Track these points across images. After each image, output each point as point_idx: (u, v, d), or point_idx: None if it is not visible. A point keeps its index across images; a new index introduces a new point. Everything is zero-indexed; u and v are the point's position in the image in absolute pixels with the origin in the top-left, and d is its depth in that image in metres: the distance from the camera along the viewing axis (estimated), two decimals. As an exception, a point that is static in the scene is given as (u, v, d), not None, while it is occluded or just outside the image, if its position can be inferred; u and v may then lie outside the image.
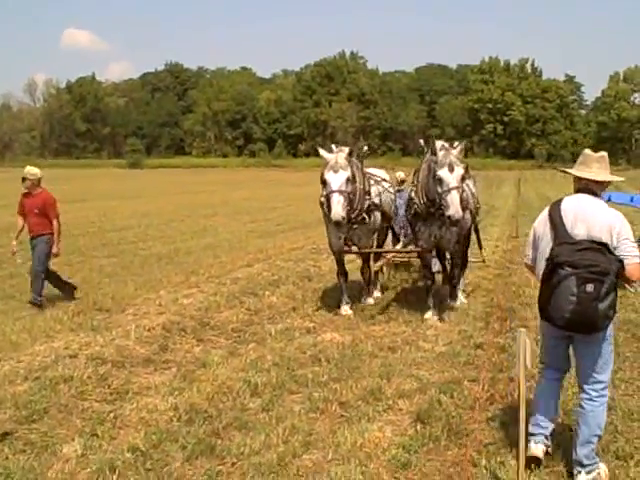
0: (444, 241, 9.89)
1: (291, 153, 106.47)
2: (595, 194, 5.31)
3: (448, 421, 6.06)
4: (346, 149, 9.80)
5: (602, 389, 5.21)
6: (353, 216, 9.75)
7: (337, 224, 9.22)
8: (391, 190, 11.56)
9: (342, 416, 6.27)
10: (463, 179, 9.16)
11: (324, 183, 9.52)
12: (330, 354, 8.12)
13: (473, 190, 10.93)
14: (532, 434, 5.37)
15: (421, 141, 10.41)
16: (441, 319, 9.75)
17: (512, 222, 21.83)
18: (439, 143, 9.38)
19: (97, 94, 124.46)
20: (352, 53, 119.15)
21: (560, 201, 5.33)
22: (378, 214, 10.60)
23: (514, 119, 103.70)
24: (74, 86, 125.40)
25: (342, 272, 10.61)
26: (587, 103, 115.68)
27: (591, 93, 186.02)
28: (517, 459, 4.47)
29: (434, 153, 9.14)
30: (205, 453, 5.50)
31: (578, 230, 5.07)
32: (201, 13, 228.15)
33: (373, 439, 5.76)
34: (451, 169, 8.92)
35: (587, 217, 5.11)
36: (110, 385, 7.02)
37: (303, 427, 5.97)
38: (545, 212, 5.39)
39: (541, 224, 5.37)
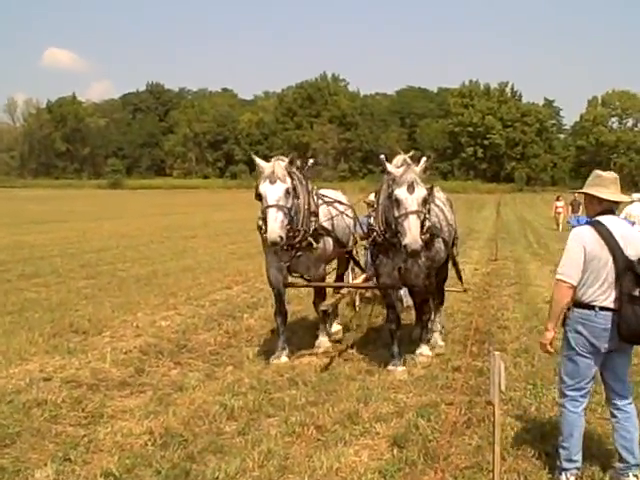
0: (411, 275, 8.44)
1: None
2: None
3: (425, 445, 6.03)
4: (286, 158, 8.36)
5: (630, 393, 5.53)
6: (296, 240, 8.41)
7: (274, 244, 7.79)
8: (349, 214, 9.95)
9: (318, 440, 6.22)
10: (425, 202, 7.87)
11: (259, 197, 8.10)
12: (307, 377, 8.08)
13: (449, 216, 9.53)
14: (565, 469, 5.35)
15: (382, 156, 8.31)
16: (409, 369, 8.45)
17: (491, 245, 21.92)
18: (400, 157, 8.15)
19: (77, 114, 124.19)
20: (333, 75, 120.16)
21: (599, 222, 5.30)
22: (329, 240, 9.08)
23: (494, 142, 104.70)
24: (54, 106, 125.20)
25: (281, 311, 9.03)
26: (566, 127, 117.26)
27: (570, 117, 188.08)
28: (493, 483, 4.44)
29: (387, 172, 7.95)
30: (180, 478, 5.43)
31: (630, 251, 5.19)
32: (182, 34, 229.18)
33: (349, 463, 5.73)
34: (411, 189, 7.62)
35: (631, 238, 5.27)
36: (84, 408, 6.92)
37: (279, 451, 5.92)
38: (590, 233, 5.28)
39: (595, 245, 5.22)
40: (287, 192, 7.97)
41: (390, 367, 8.40)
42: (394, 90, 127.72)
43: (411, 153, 8.42)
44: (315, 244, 8.61)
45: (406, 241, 7.44)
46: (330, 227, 9.07)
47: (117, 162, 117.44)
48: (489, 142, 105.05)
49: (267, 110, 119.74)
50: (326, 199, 9.45)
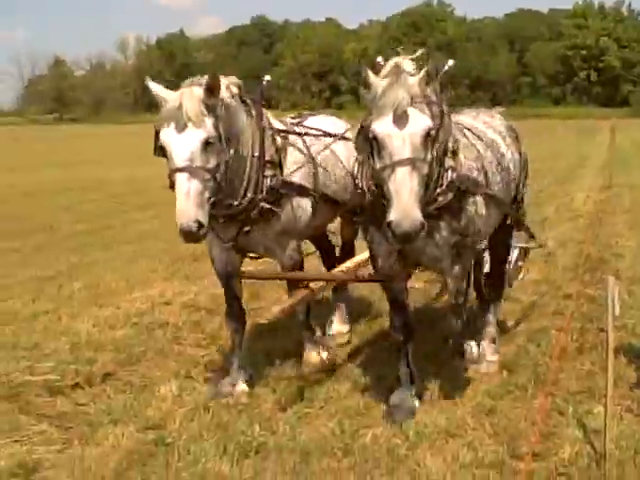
0: (425, 258, 5.17)
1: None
2: None
3: (535, 370, 6.04)
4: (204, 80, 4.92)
5: None
6: (239, 208, 5.32)
7: (188, 236, 4.72)
8: (343, 154, 6.21)
9: (428, 363, 6.31)
10: (430, 140, 4.43)
11: (162, 151, 4.86)
12: (417, 304, 8.15)
13: (509, 156, 5.90)
14: None
15: (380, 59, 4.94)
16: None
17: (605, 172, 21.19)
18: (392, 62, 4.69)
19: (186, 50, 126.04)
20: (439, 0, 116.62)
21: None
22: (304, 202, 5.73)
23: (609, 65, 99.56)
24: (164, 42, 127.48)
25: (233, 312, 5.95)
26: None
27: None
28: (605, 407, 4.45)
29: (365, 84, 4.56)
30: (294, 396, 5.66)
31: None
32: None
33: (459, 386, 5.81)
34: (400, 118, 4.33)
35: None
36: (203, 331, 7.31)
37: (390, 374, 6.05)
38: None
39: None
40: (206, 144, 4.76)
41: (392, 400, 5.36)
42: (503, 13, 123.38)
43: (419, 52, 5.05)
44: (277, 210, 5.46)
45: (391, 216, 4.25)
46: (307, 181, 5.77)
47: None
48: (604, 65, 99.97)
49: (372, 39, 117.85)
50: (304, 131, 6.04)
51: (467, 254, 5.23)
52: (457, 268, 5.17)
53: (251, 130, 5.33)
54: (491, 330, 6.37)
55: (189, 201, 4.70)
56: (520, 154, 6.26)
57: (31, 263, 11.01)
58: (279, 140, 5.62)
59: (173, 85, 5.09)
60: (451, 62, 5.11)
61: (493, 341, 6.35)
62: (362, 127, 4.62)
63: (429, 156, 4.45)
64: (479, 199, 5.09)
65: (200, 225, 4.69)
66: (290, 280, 6.00)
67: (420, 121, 4.37)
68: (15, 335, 7.27)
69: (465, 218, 4.99)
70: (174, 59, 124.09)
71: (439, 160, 4.68)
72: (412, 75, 4.52)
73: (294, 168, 5.64)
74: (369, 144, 4.50)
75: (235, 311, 5.94)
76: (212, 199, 4.84)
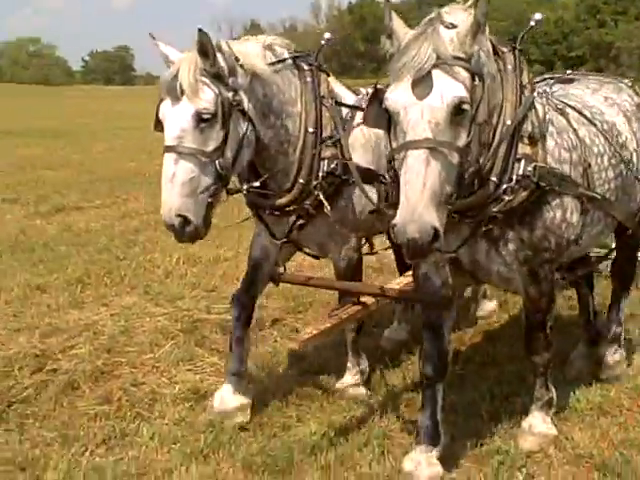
0: (483, 273, 4.02)
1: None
2: None
3: None
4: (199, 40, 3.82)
5: None
6: (289, 197, 4.40)
7: (174, 234, 3.92)
8: None
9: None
10: (466, 117, 3.19)
11: (161, 127, 3.99)
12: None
13: (632, 144, 4.62)
14: None
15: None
16: None
17: None
18: (433, 13, 3.23)
19: (376, 15, 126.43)
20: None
21: None
22: (358, 193, 4.45)
23: None
24: (355, 7, 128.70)
25: (242, 303, 4.91)
26: None
27: None
28: None
29: (388, 33, 3.36)
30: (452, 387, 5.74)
31: None
32: None
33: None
34: (421, 84, 3.09)
35: None
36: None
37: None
38: None
39: None
40: (201, 120, 3.85)
41: (406, 465, 4.01)
42: None
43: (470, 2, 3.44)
44: (327, 205, 4.35)
45: (395, 219, 3.07)
46: (377, 164, 4.61)
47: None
48: None
49: (567, 7, 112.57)
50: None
51: (547, 271, 3.98)
52: (533, 289, 3.99)
53: (304, 100, 4.39)
54: (619, 328, 5.54)
55: (173, 189, 3.81)
56: None
57: (217, 213, 11.70)
58: (343, 113, 4.57)
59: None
60: (538, 16, 4.05)
61: (620, 342, 5.58)
62: (376, 92, 3.47)
63: (462, 139, 3.20)
64: (569, 202, 3.88)
65: (185, 221, 3.84)
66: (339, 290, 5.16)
67: (448, 89, 3.11)
68: (198, 277, 7.96)
69: (541, 227, 3.80)
70: (364, 24, 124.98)
71: (508, 147, 3.62)
72: (452, 27, 3.24)
73: (360, 148, 4.57)
74: (386, 116, 3.33)
75: (243, 300, 4.92)
76: (212, 189, 3.95)
